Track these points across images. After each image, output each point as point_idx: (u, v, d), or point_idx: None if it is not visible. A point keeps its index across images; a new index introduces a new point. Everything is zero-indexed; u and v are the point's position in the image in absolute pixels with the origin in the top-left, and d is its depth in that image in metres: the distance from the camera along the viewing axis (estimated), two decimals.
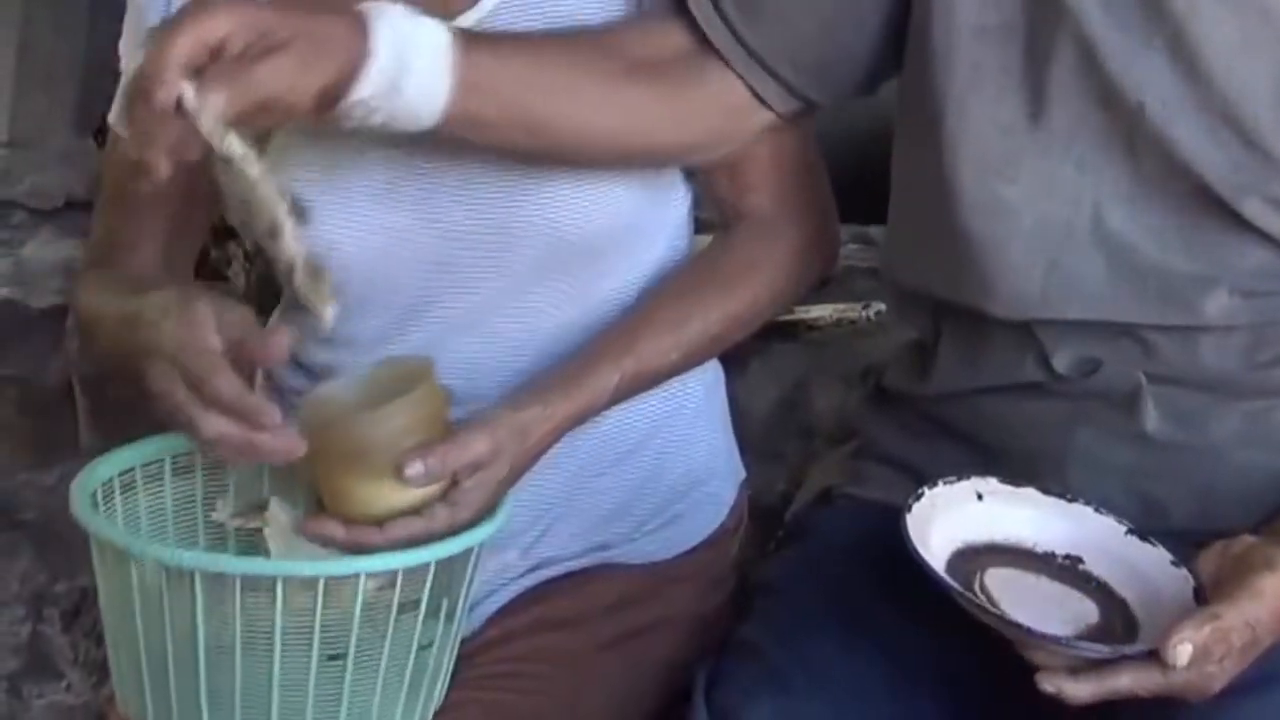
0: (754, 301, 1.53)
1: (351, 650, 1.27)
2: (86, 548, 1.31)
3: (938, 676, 1.37)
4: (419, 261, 1.46)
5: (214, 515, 1.34)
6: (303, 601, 1.24)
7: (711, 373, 1.64)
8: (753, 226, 1.54)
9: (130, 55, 1.55)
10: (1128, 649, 1.22)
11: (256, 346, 1.28)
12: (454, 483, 1.32)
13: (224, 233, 2.23)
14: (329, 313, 1.28)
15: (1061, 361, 1.40)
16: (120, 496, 1.36)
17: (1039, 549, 1.35)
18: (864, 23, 1.45)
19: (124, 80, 1.49)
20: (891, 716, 1.37)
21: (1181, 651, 1.18)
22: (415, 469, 1.29)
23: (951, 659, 1.37)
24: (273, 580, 1.23)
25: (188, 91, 1.19)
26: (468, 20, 1.44)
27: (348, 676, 1.28)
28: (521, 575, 1.53)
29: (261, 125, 1.28)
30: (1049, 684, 1.21)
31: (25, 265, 2.35)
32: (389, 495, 1.30)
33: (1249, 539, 1.27)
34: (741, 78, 1.46)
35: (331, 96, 1.27)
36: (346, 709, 1.29)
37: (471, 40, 1.34)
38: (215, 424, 1.25)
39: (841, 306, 2.09)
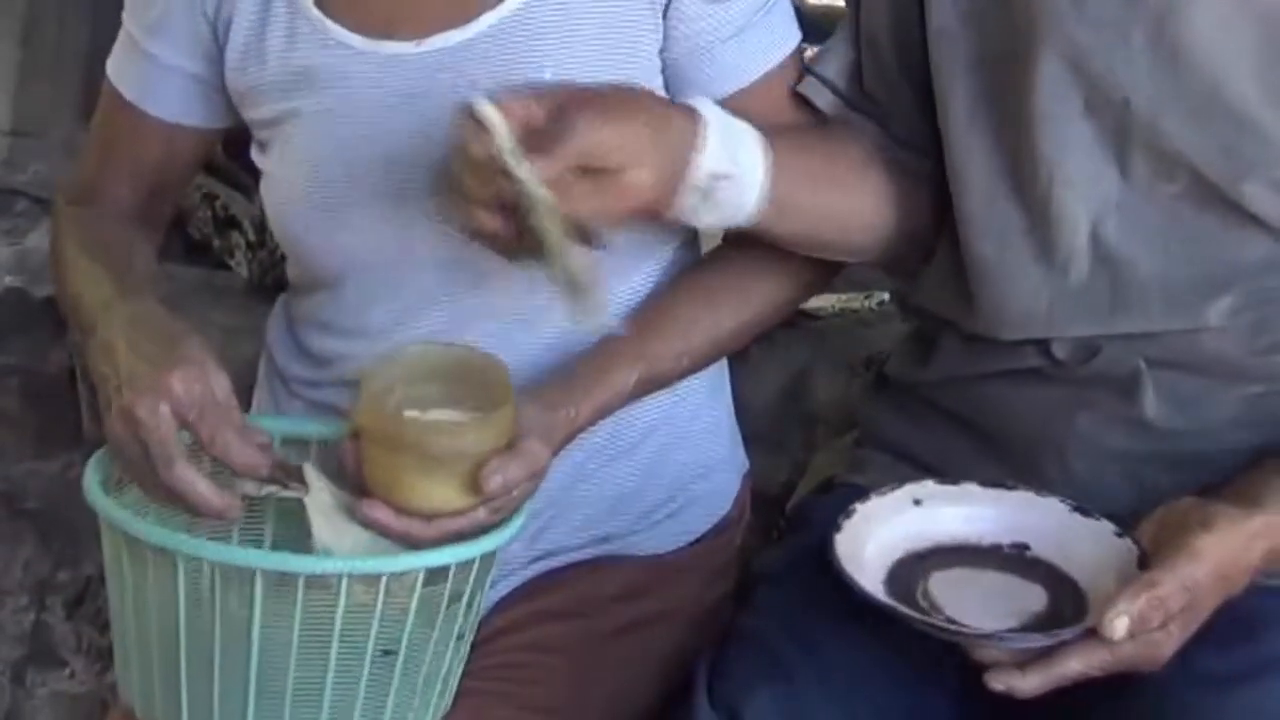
0: (766, 305, 1.54)
1: (404, 644, 1.28)
2: (90, 536, 1.30)
3: (939, 664, 1.37)
4: (431, 258, 1.47)
5: (246, 489, 1.32)
6: (363, 598, 1.25)
7: (715, 365, 1.64)
8: None
9: (130, 14, 1.57)
10: (1064, 633, 1.21)
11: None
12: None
13: (227, 223, 2.23)
14: (595, 321, 1.33)
15: (1061, 348, 1.40)
16: (114, 493, 1.34)
17: (985, 542, 1.33)
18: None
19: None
20: (893, 704, 1.38)
21: (1118, 625, 1.18)
22: (495, 483, 1.30)
23: (953, 646, 1.37)
24: (337, 578, 1.23)
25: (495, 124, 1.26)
26: (502, 11, 1.45)
27: (398, 670, 1.29)
28: (524, 566, 1.53)
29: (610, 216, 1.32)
30: (998, 683, 1.21)
31: (29, 254, 2.35)
32: (448, 497, 1.31)
33: (1189, 500, 1.27)
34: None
35: (669, 178, 1.34)
36: (394, 702, 1.30)
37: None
38: (187, 478, 1.27)
39: (844, 296, 2.08)
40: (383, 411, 1.32)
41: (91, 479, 1.31)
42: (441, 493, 1.31)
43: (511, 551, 1.52)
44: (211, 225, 2.26)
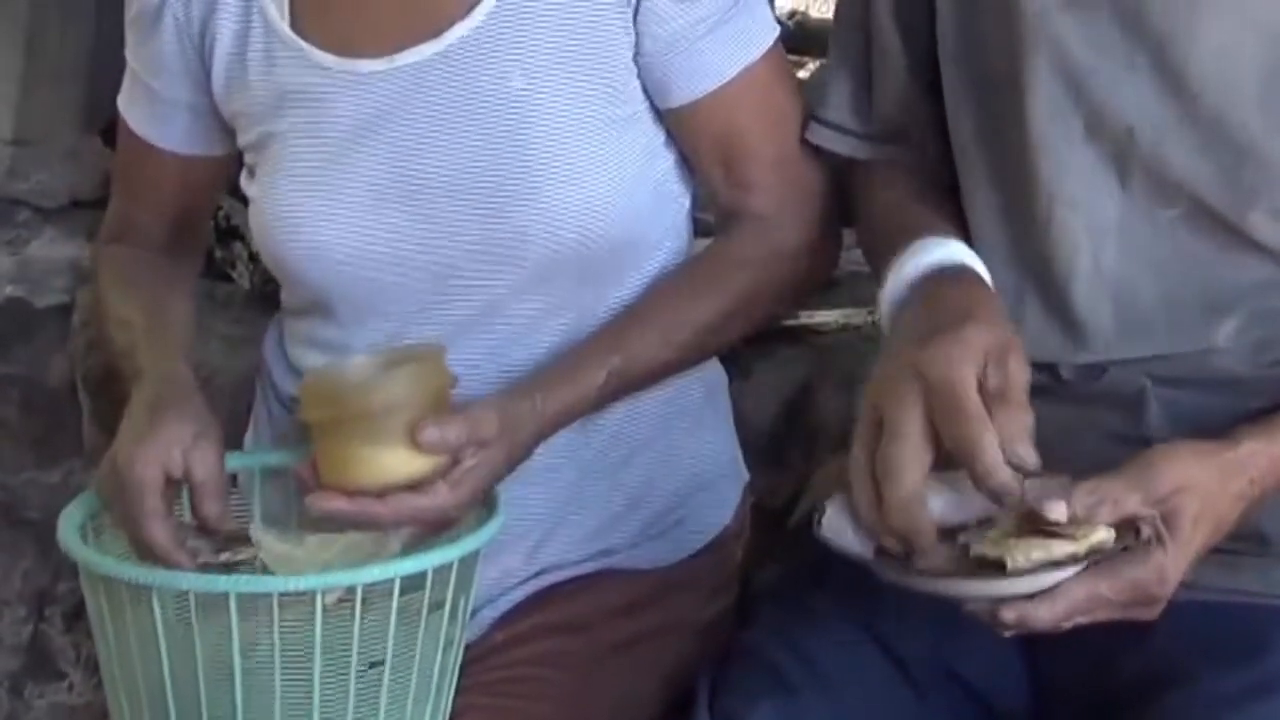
0: (748, 300, 1.53)
1: (389, 656, 1.28)
2: None
3: (942, 679, 1.38)
4: (417, 269, 1.47)
5: (198, 559, 1.33)
6: (341, 611, 1.25)
7: (713, 375, 1.64)
8: (748, 225, 1.54)
9: (130, 50, 1.59)
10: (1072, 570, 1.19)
11: (198, 499, 1.34)
12: (455, 460, 1.33)
13: (229, 234, 2.23)
14: None
15: (1068, 369, 1.40)
16: (93, 541, 1.35)
17: (955, 521, 1.27)
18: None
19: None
20: (895, 719, 1.37)
21: (1059, 507, 1.18)
22: (430, 434, 1.30)
23: (955, 661, 1.37)
24: (311, 595, 1.23)
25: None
26: (471, 22, 1.45)
27: (385, 682, 1.29)
28: (525, 581, 1.53)
29: None
30: (1010, 612, 1.19)
31: (30, 264, 2.35)
32: (393, 463, 1.31)
33: None
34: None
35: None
36: (384, 715, 1.30)
37: None
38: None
39: (847, 311, 2.08)
40: (318, 394, 1.33)
41: (68, 525, 1.32)
42: (390, 459, 1.31)
43: (511, 566, 1.52)
44: (213, 236, 2.25)
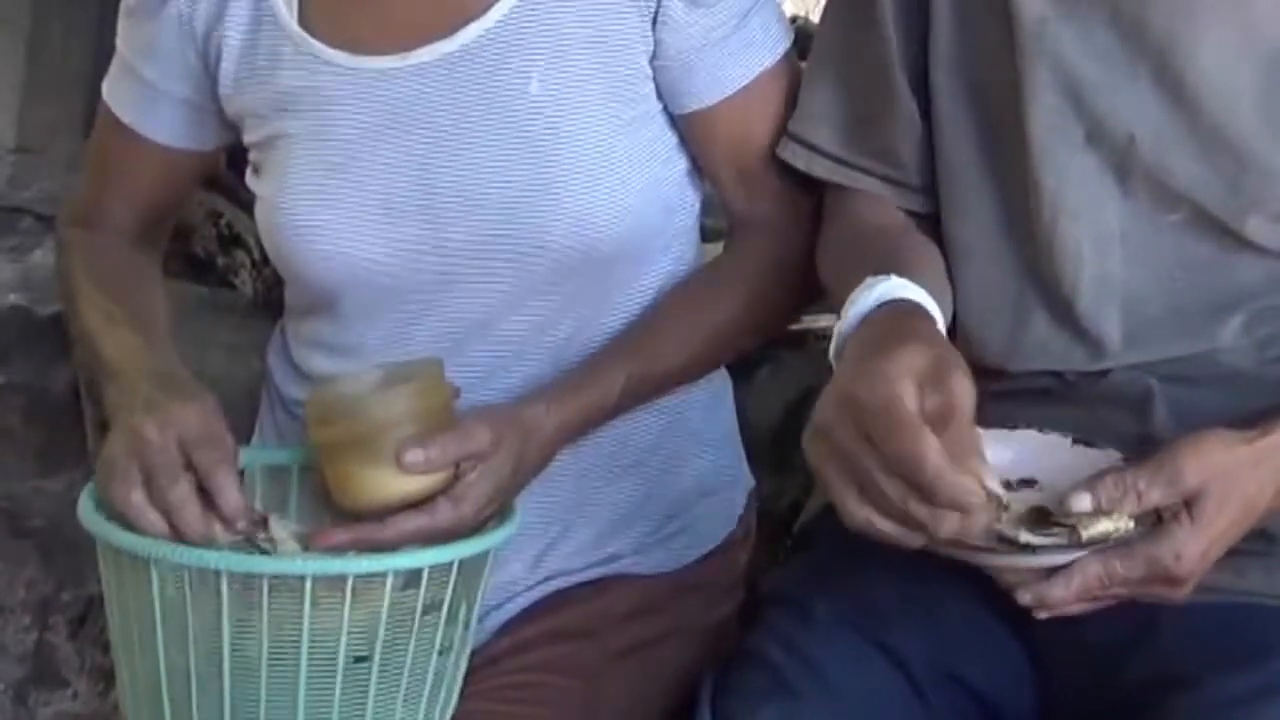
0: (762, 306, 1.53)
1: (377, 652, 1.27)
2: (93, 556, 1.31)
3: (945, 682, 1.37)
4: (422, 272, 1.47)
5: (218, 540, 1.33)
6: (331, 601, 1.24)
7: (718, 381, 1.64)
8: (761, 231, 1.54)
9: (124, 38, 1.58)
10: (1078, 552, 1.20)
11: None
12: (456, 476, 1.33)
13: (231, 241, 2.23)
14: None
15: (1073, 372, 1.40)
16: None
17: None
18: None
19: None
20: None
21: (1083, 499, 1.20)
22: (414, 456, 1.30)
23: (959, 665, 1.37)
24: (301, 580, 1.23)
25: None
26: (486, 22, 1.45)
27: (373, 679, 1.28)
28: (531, 587, 1.53)
29: None
30: (1026, 594, 1.21)
31: (33, 272, 2.35)
32: (391, 482, 1.31)
33: None
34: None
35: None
36: (371, 714, 1.29)
37: None
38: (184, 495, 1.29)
39: None
40: (319, 413, 1.33)
41: (88, 500, 1.32)
42: (384, 479, 1.30)
43: (516, 573, 1.52)
44: (216, 243, 2.26)
